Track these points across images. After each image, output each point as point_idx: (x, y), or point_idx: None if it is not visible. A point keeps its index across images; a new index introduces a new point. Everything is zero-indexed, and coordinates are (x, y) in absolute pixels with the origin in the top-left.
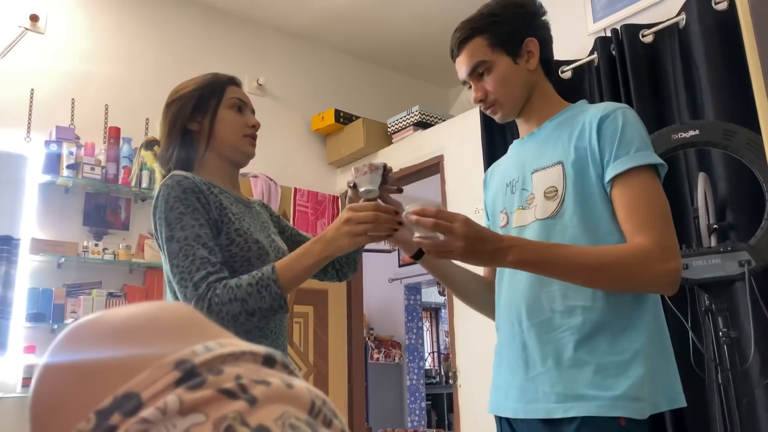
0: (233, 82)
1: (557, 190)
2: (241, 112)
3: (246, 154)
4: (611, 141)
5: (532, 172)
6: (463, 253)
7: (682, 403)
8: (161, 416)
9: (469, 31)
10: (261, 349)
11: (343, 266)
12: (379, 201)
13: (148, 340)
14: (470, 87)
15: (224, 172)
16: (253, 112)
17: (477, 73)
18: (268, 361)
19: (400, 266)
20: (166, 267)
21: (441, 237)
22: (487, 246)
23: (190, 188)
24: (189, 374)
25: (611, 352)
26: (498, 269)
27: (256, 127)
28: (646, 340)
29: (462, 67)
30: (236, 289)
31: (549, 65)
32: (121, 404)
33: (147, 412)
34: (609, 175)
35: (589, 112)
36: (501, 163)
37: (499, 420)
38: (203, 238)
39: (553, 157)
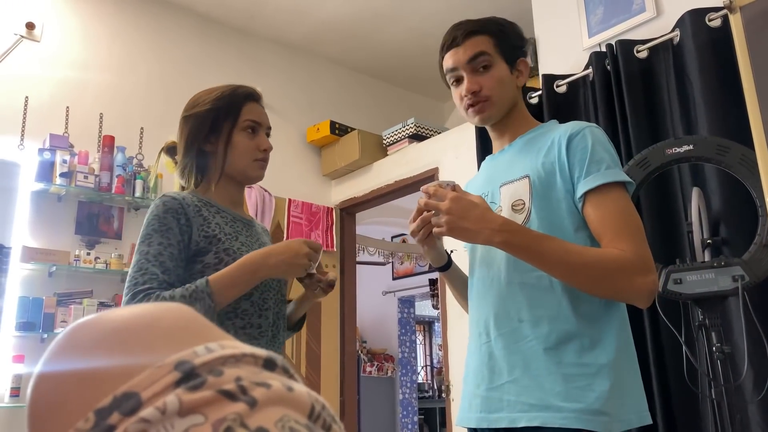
0: (252, 97)
1: (524, 203)
2: (255, 134)
3: (254, 179)
4: (581, 158)
5: (501, 186)
6: (448, 228)
7: (649, 420)
8: (160, 416)
9: (478, 26)
10: (262, 352)
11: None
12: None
13: (149, 340)
14: (455, 82)
15: (229, 191)
16: (268, 129)
17: (476, 63)
18: (269, 364)
19: (393, 279)
20: None
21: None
22: (471, 223)
23: (173, 209)
24: (189, 375)
25: (578, 363)
26: (469, 276)
27: (267, 150)
28: (615, 354)
29: (461, 54)
30: (169, 299)
31: (524, 92)
32: (121, 403)
33: (146, 412)
34: (581, 190)
35: (559, 130)
36: (474, 180)
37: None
38: (162, 257)
39: (521, 171)
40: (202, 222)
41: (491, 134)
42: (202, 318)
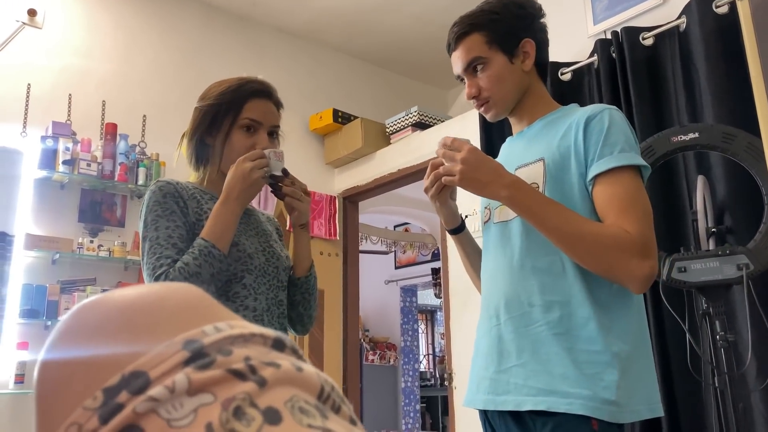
0: (257, 94)
1: (539, 186)
2: (254, 132)
3: None
4: (596, 141)
5: (516, 168)
6: (461, 177)
7: (660, 412)
8: (169, 395)
9: (467, 27)
10: (271, 332)
11: (302, 318)
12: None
13: (156, 320)
14: (464, 81)
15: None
16: (274, 127)
17: (472, 68)
18: (278, 345)
19: (396, 268)
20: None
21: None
22: (483, 176)
23: (170, 193)
24: (198, 354)
25: (589, 350)
26: (482, 259)
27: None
28: (627, 343)
29: (458, 61)
30: (186, 266)
31: (544, 68)
32: (129, 382)
33: (155, 391)
34: (591, 173)
35: (578, 113)
36: None
37: (482, 414)
38: (173, 239)
39: (537, 154)
40: (196, 205)
41: (510, 119)
42: (210, 298)
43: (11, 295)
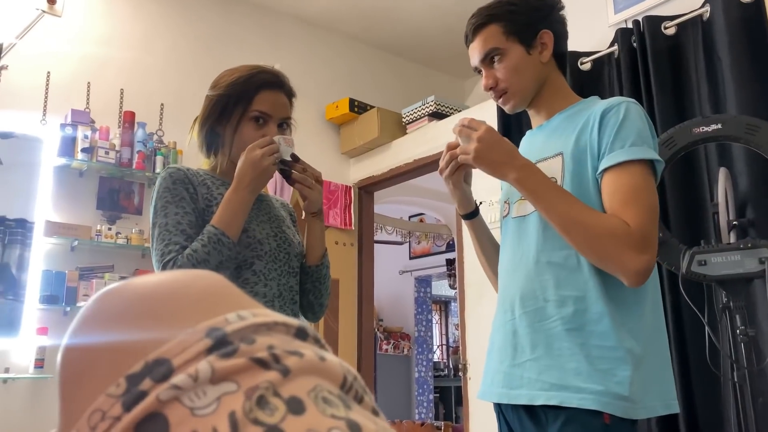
0: (268, 85)
1: (557, 181)
2: (264, 124)
3: None
4: (609, 134)
5: (536, 162)
6: (475, 155)
7: (676, 409)
8: (192, 383)
9: (485, 18)
10: (293, 321)
11: (313, 306)
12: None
13: (179, 307)
14: (481, 73)
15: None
16: (285, 119)
17: (489, 59)
18: (301, 334)
19: (410, 258)
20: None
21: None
22: (498, 156)
23: (180, 179)
24: (221, 342)
25: (603, 346)
26: (500, 253)
27: None
28: (642, 340)
29: (475, 53)
30: (195, 253)
31: (563, 59)
32: (152, 370)
33: (178, 379)
34: (601, 167)
35: (596, 106)
36: None
37: (497, 407)
38: (182, 225)
39: (556, 148)
40: (206, 191)
41: (528, 112)
42: (232, 285)
43: (31, 281)
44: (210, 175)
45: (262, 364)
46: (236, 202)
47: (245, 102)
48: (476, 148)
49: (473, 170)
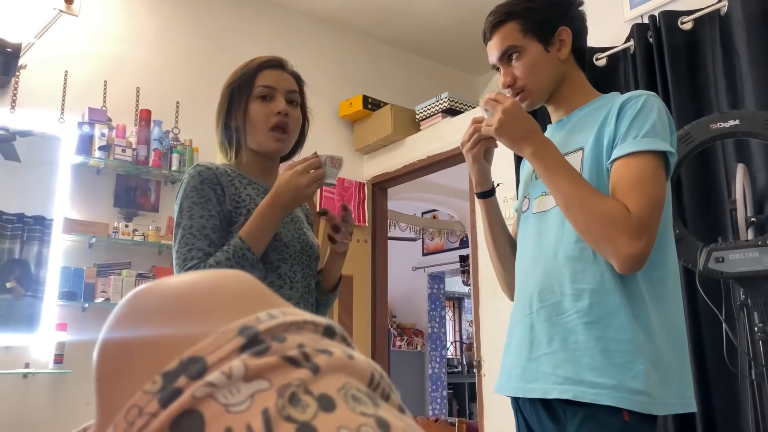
0: (267, 65)
1: None
2: (270, 100)
3: (271, 151)
4: (624, 125)
5: None
6: (498, 127)
7: (693, 408)
8: (227, 381)
9: (503, 15)
10: (322, 320)
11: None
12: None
13: (211, 306)
14: (499, 70)
15: (258, 163)
16: (291, 92)
17: (507, 57)
18: (329, 332)
19: (424, 255)
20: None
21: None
22: (520, 130)
23: (209, 179)
24: (253, 341)
25: (619, 339)
26: (518, 249)
27: (282, 112)
28: (660, 335)
29: (493, 51)
30: (218, 266)
31: (582, 55)
32: (187, 367)
33: (213, 376)
34: (612, 157)
35: (616, 100)
36: None
37: (514, 402)
38: (206, 229)
39: (576, 144)
40: (234, 192)
41: (548, 108)
42: (261, 284)
43: (50, 277)
44: (237, 173)
45: (293, 362)
46: (269, 219)
47: (248, 84)
48: (500, 119)
49: (494, 154)
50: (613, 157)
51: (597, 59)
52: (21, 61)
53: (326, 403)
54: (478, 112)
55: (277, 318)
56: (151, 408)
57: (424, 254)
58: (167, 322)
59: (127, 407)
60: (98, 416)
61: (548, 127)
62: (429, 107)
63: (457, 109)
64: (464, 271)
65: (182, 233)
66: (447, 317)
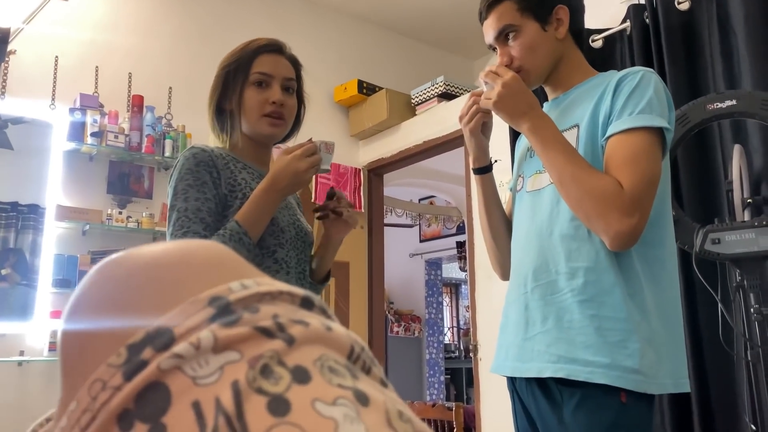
0: (265, 49)
1: None
2: (266, 87)
3: (266, 137)
4: (620, 101)
5: None
6: (498, 100)
7: (686, 388)
8: (194, 352)
9: None
10: (299, 290)
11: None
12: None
13: (181, 276)
14: (496, 50)
15: (252, 148)
16: (288, 80)
17: (504, 36)
18: (306, 303)
19: (421, 241)
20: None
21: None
22: (519, 104)
23: (204, 162)
24: (223, 311)
25: (613, 318)
26: (513, 228)
27: (277, 102)
28: (655, 314)
29: (489, 30)
30: None
31: (579, 35)
32: (153, 339)
33: (179, 348)
34: (607, 133)
35: (614, 77)
36: None
37: (510, 382)
38: (202, 213)
39: (571, 121)
40: (229, 175)
41: (545, 88)
42: (236, 255)
43: (44, 265)
44: (232, 157)
45: (266, 333)
46: (266, 204)
47: (245, 68)
48: (499, 93)
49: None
50: (608, 134)
51: (593, 41)
52: (10, 47)
53: (301, 375)
54: None
55: (250, 288)
56: (115, 381)
57: (421, 241)
58: (135, 293)
59: (90, 381)
60: (62, 392)
61: (544, 105)
62: (424, 91)
63: (453, 93)
64: (461, 257)
65: (177, 216)
66: (444, 303)
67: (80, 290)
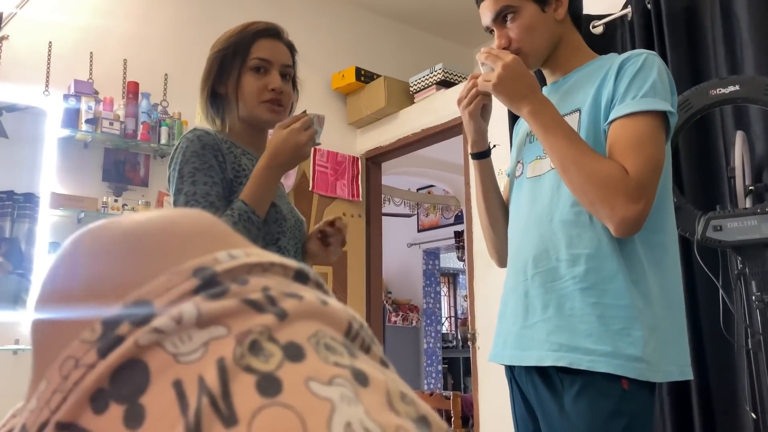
0: (264, 33)
1: None
2: (265, 73)
3: (264, 123)
4: (623, 85)
5: None
6: (497, 83)
7: (690, 375)
8: (176, 326)
9: None
10: (293, 263)
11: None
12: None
13: (165, 245)
14: (493, 33)
15: (248, 133)
16: (286, 67)
17: (501, 18)
18: (300, 276)
19: (419, 231)
20: None
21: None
22: (520, 87)
23: (210, 145)
24: (209, 282)
25: (616, 305)
26: (511, 215)
27: (276, 90)
28: (658, 301)
29: (486, 12)
30: None
31: (578, 19)
32: (131, 313)
33: (159, 322)
34: (610, 117)
35: (616, 60)
36: None
37: (508, 371)
38: (211, 197)
39: (573, 105)
40: (233, 160)
41: (543, 71)
42: (223, 224)
43: (39, 253)
44: (231, 142)
45: (255, 306)
46: (268, 180)
47: (243, 52)
48: (499, 75)
49: (491, 115)
50: (611, 118)
51: (593, 27)
52: (2, 33)
53: (294, 352)
54: None
55: (238, 258)
56: (89, 359)
57: (419, 230)
58: (114, 263)
59: (62, 359)
60: (33, 371)
61: (543, 89)
62: (423, 79)
63: (452, 81)
64: (459, 247)
65: (185, 200)
66: (442, 293)
67: (56, 259)
